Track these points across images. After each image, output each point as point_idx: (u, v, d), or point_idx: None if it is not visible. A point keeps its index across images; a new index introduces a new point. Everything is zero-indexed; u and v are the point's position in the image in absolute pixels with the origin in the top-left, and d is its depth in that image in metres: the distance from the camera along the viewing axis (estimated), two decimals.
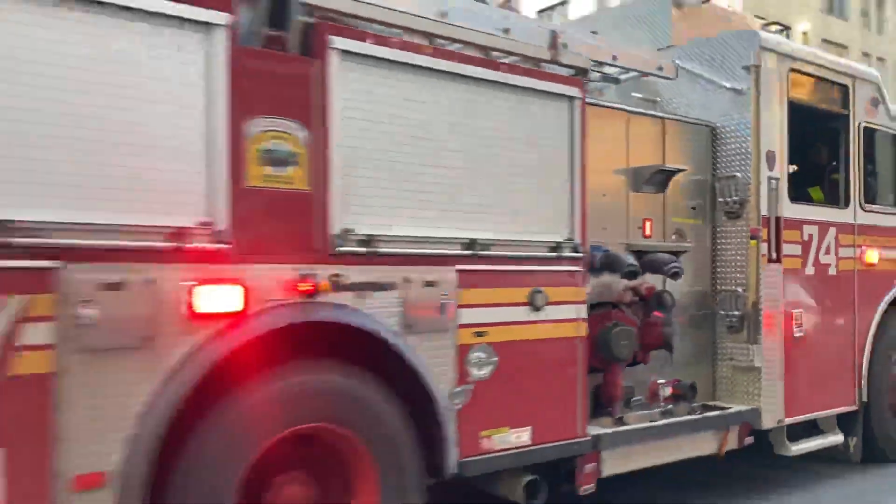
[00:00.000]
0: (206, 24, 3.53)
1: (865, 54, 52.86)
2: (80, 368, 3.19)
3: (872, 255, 7.06)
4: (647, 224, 5.81)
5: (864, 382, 6.89)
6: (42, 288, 3.12)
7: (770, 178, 6.12)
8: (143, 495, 3.33)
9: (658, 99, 6.50)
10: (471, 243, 4.39)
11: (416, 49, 4.27)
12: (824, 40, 50.51)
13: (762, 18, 27.37)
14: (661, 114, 6.10)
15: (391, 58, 4.13)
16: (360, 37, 4.05)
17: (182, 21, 3.48)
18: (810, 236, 6.48)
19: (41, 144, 3.15)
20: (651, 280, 5.73)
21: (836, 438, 6.80)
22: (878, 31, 54.11)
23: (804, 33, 48.62)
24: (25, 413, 3.09)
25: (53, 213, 3.16)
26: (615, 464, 5.19)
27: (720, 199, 6.22)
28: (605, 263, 5.36)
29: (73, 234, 3.19)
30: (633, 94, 6.34)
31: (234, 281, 3.58)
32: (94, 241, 3.23)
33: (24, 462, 3.09)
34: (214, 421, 3.53)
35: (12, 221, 3.07)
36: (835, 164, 7.01)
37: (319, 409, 3.84)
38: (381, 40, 4.14)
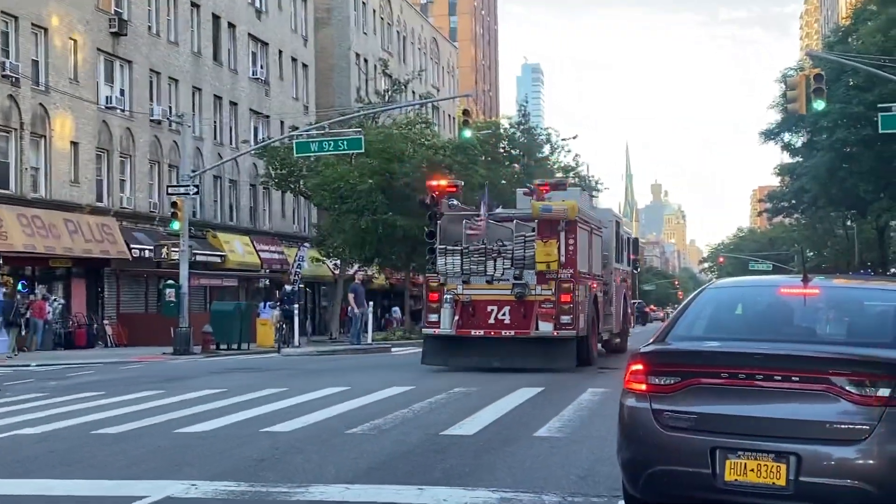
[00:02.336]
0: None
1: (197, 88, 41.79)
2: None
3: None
4: None
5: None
6: None
7: (617, 255, 20.83)
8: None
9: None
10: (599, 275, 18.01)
11: (587, 225, 17.53)
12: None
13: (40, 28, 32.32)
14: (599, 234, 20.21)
15: (585, 228, 17.36)
16: (581, 222, 17.10)
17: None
18: (619, 272, 21.39)
19: None
20: None
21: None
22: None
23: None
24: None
25: None
26: None
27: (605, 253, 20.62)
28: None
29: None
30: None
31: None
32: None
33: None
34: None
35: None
36: (618, 249, 22.02)
37: None
38: (583, 224, 17.24)
